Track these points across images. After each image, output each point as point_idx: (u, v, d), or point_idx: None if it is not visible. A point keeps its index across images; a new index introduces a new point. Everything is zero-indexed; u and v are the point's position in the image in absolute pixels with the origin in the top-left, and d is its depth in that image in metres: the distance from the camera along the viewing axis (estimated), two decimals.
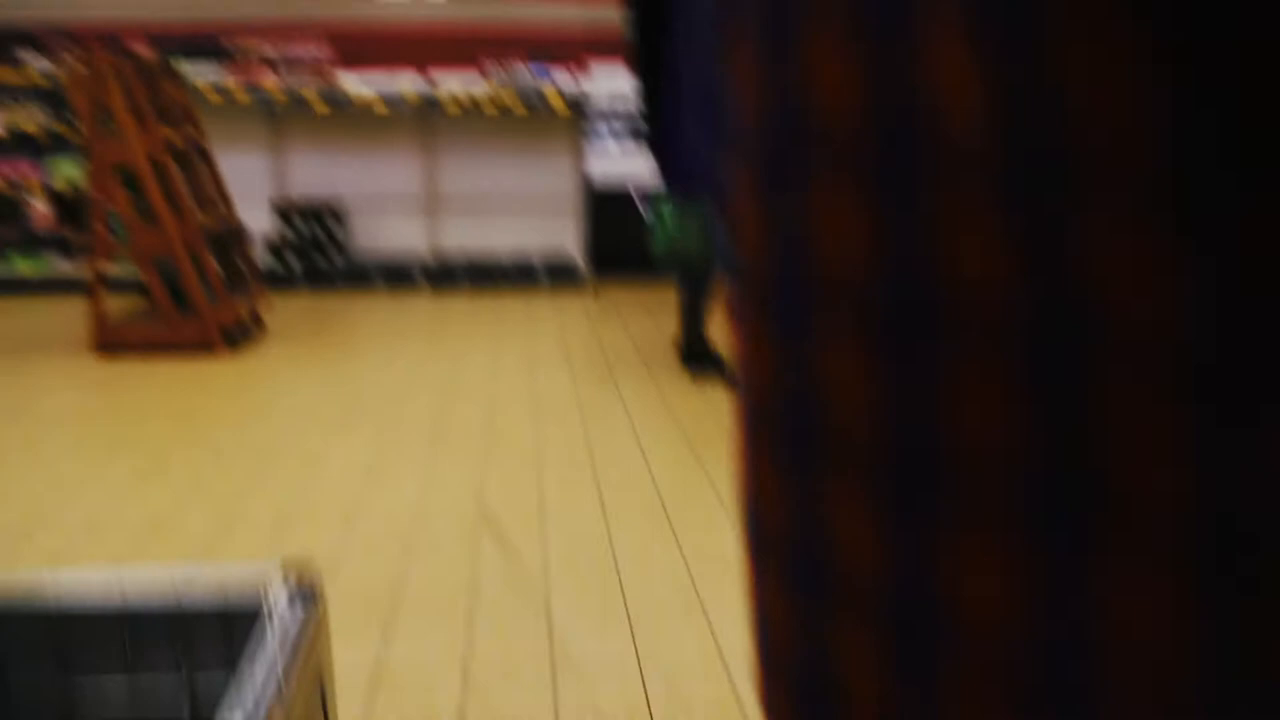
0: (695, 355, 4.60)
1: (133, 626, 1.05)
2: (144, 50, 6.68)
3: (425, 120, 7.11)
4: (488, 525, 2.84)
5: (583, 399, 4.14)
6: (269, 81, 6.71)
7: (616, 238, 6.77)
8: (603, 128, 6.83)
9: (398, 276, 6.87)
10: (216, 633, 1.04)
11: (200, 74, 6.66)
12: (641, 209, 6.45)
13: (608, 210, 6.77)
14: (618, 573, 2.52)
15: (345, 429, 3.69)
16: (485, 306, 6.34)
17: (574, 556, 2.65)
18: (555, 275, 6.95)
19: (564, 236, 7.41)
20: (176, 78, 5.27)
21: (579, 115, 7.08)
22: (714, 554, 2.67)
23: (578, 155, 7.20)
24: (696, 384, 4.44)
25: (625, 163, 6.81)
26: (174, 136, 4.89)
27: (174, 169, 4.81)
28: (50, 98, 6.79)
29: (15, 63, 6.60)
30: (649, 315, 6.13)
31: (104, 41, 6.54)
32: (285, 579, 1.04)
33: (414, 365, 4.76)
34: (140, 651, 1.05)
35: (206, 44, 6.71)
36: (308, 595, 1.01)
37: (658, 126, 4.29)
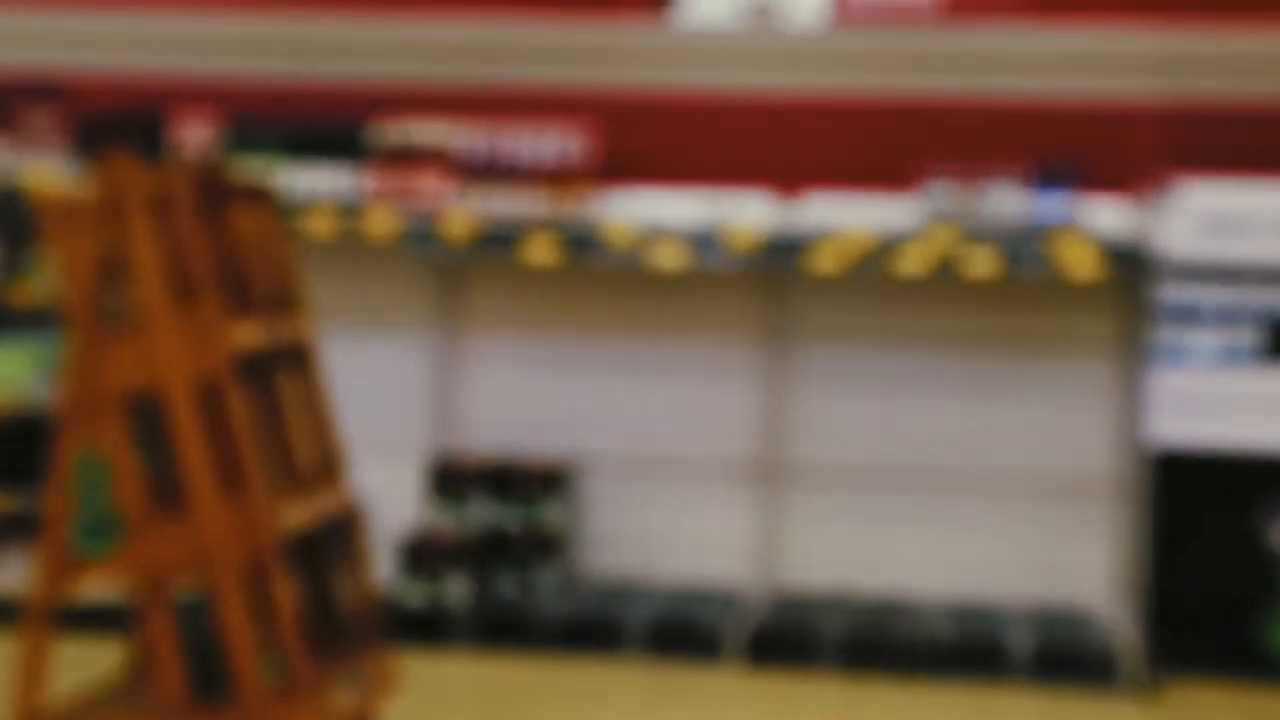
0: None
1: None
2: (203, 134, 3.88)
3: (771, 284, 4.07)
4: None
5: None
6: (440, 203, 3.81)
7: (1206, 570, 3.50)
8: (1188, 322, 3.48)
9: (676, 631, 3.57)
10: None
11: (314, 181, 3.85)
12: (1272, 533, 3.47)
13: (1190, 513, 3.46)
14: None
15: None
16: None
17: None
18: (1051, 652, 3.45)
19: (1072, 559, 3.90)
20: (265, 199, 2.68)
21: (1133, 287, 3.72)
22: None
23: (1126, 381, 3.80)
24: None
25: (1235, 411, 3.45)
26: (249, 331, 2.41)
27: (236, 399, 2.28)
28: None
29: None
30: None
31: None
32: None
33: None
34: None
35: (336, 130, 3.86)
36: None
37: None
